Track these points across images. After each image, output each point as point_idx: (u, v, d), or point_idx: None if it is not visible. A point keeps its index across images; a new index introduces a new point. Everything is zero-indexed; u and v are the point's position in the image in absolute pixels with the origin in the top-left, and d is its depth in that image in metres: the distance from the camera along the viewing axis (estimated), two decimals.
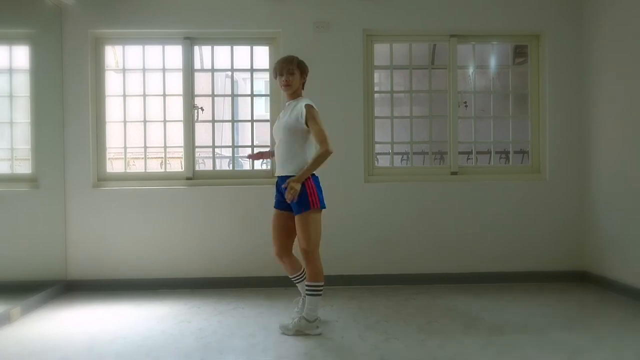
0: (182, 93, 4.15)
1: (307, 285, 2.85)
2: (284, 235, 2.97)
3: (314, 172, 2.83)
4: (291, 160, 2.85)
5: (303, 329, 2.84)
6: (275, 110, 4.14)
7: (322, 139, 2.77)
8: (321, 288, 2.84)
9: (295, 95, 2.94)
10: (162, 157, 5.01)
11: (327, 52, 4.04)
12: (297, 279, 3.07)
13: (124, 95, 4.18)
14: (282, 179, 2.86)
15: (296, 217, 2.82)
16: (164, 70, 4.21)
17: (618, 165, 3.74)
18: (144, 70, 4.19)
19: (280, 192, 2.94)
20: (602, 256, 3.92)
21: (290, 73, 2.87)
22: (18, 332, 2.97)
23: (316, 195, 2.81)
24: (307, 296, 2.86)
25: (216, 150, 4.63)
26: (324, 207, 2.86)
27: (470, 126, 4.40)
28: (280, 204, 2.95)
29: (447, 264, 4.08)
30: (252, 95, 4.31)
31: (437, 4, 4.11)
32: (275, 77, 2.95)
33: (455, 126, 4.22)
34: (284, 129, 2.86)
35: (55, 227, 3.88)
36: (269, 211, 3.88)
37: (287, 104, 2.98)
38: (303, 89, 3.00)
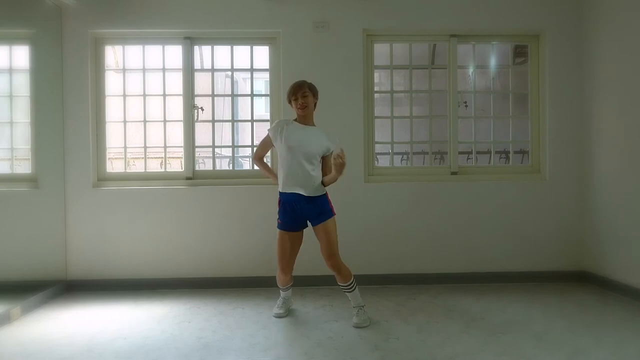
0: (182, 93, 4.15)
1: (343, 285, 3.05)
2: (294, 255, 3.14)
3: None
4: (316, 182, 3.03)
5: (355, 321, 3.06)
6: (275, 110, 4.13)
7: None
8: (354, 282, 3.10)
9: (310, 117, 3.11)
10: (162, 157, 5.01)
11: (327, 52, 4.04)
12: (288, 288, 3.31)
13: (124, 95, 4.18)
14: (305, 199, 3.01)
15: (320, 226, 3.01)
16: (164, 70, 4.21)
17: (618, 165, 3.74)
18: (144, 70, 4.20)
19: (295, 212, 3.04)
20: (602, 256, 3.92)
21: (304, 96, 3.03)
22: (18, 332, 2.97)
23: (331, 203, 3.11)
24: (348, 293, 3.09)
25: (216, 150, 4.62)
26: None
27: (470, 126, 4.41)
28: (294, 225, 3.07)
29: (447, 264, 4.08)
30: (252, 95, 4.31)
31: (437, 3, 4.11)
32: (290, 102, 3.11)
33: (455, 126, 4.22)
34: (314, 155, 3.02)
35: (55, 227, 3.88)
36: (269, 211, 3.88)
37: (300, 125, 3.09)
38: (315, 109, 3.16)
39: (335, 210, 3.11)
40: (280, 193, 3.09)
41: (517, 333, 2.87)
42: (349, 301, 3.16)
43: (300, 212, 3.03)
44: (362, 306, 3.10)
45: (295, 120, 3.14)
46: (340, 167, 2.83)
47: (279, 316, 3.23)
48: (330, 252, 3.00)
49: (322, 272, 3.98)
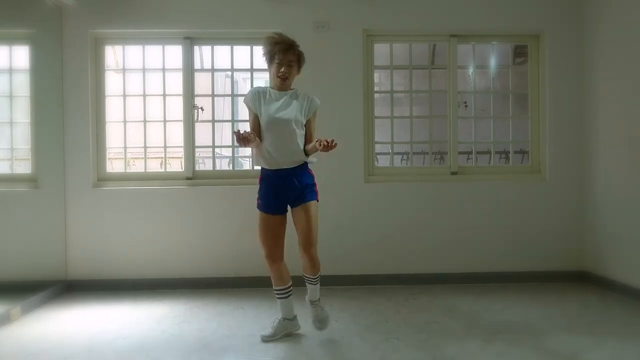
0: (182, 93, 4.15)
1: (313, 277, 2.77)
2: (281, 238, 2.77)
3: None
4: (299, 152, 2.70)
5: (322, 315, 2.81)
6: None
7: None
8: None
9: (289, 85, 2.76)
10: (162, 157, 5.01)
11: (327, 52, 4.04)
12: (283, 294, 2.82)
13: (124, 95, 4.17)
14: (289, 171, 2.68)
15: (306, 205, 2.67)
16: (164, 70, 4.21)
17: (618, 165, 3.74)
18: (144, 70, 4.19)
19: (278, 191, 2.70)
20: (602, 256, 3.92)
21: (289, 65, 2.68)
22: (18, 332, 2.97)
23: (317, 187, 2.80)
24: (310, 284, 2.80)
25: (216, 150, 4.62)
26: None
27: (470, 126, 4.40)
28: (277, 208, 2.72)
29: (447, 264, 4.08)
30: None
31: (437, 4, 4.11)
32: (270, 60, 2.69)
33: (455, 126, 4.22)
34: (295, 122, 2.66)
35: (55, 227, 3.88)
36: None
37: (277, 92, 2.72)
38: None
39: (319, 197, 2.79)
40: (262, 169, 2.75)
41: (517, 333, 2.87)
42: (306, 295, 2.89)
43: (282, 188, 2.69)
44: (319, 300, 2.84)
45: (271, 87, 2.76)
46: (325, 148, 2.50)
47: (265, 339, 2.77)
48: (311, 240, 2.66)
49: (322, 272, 3.98)
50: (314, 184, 2.78)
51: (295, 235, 2.78)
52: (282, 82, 2.70)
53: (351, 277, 4.02)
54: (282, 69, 2.66)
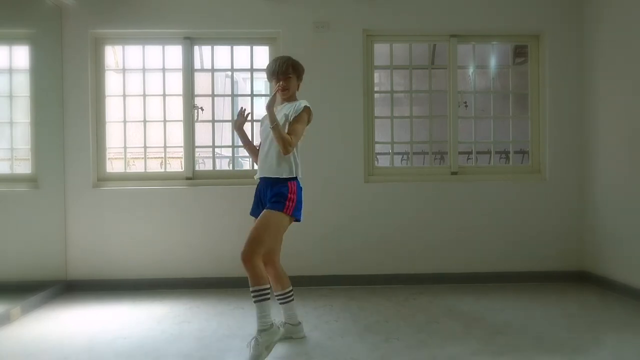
0: (182, 93, 4.15)
1: (251, 290, 2.56)
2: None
3: (299, 183, 2.74)
4: (281, 163, 2.67)
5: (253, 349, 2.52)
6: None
7: (295, 139, 2.65)
8: (264, 293, 2.56)
9: (291, 98, 2.81)
10: (162, 157, 5.01)
11: (327, 52, 4.04)
12: (282, 299, 2.81)
13: (124, 95, 4.17)
14: (267, 182, 2.71)
15: (264, 211, 2.63)
16: (164, 70, 4.21)
17: (618, 165, 3.74)
18: (144, 70, 4.19)
19: (259, 198, 2.77)
20: (602, 256, 3.92)
21: (287, 77, 2.74)
22: (18, 332, 2.97)
23: (295, 202, 2.65)
24: (255, 303, 2.55)
25: (216, 150, 4.62)
26: (298, 220, 2.72)
27: (470, 126, 4.40)
28: (257, 211, 2.75)
29: (447, 264, 4.08)
30: (252, 95, 4.31)
31: (437, 4, 4.11)
32: (270, 80, 2.82)
33: (455, 126, 4.22)
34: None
35: (55, 227, 3.88)
36: None
37: (281, 106, 2.80)
38: (298, 89, 2.87)
39: (291, 210, 2.64)
40: None
41: (517, 333, 2.87)
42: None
43: (262, 196, 2.74)
44: (265, 330, 2.51)
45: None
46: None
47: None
48: (248, 245, 2.58)
49: (322, 272, 3.99)
50: (285, 195, 2.63)
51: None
52: (282, 93, 2.78)
53: (351, 277, 4.01)
54: (281, 82, 2.76)
